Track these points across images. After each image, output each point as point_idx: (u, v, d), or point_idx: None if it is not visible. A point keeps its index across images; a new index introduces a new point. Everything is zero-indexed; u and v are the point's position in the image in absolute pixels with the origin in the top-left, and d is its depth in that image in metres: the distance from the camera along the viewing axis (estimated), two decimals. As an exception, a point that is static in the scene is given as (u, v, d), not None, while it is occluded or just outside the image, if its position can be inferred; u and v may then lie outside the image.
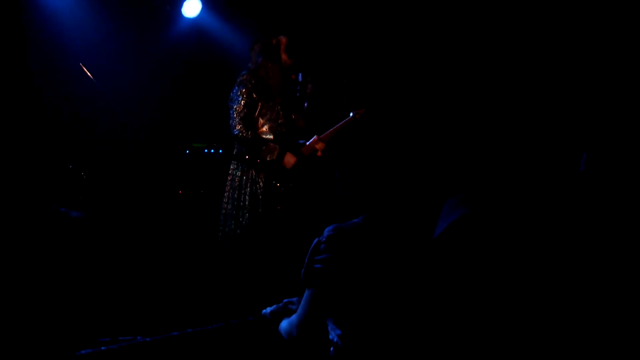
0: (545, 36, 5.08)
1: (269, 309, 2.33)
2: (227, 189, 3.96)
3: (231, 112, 3.87)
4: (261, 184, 3.88)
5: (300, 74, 4.04)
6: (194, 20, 5.39)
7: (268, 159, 3.84)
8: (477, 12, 5.16)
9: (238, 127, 3.82)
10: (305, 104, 4.11)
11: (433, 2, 5.21)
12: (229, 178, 3.97)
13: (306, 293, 1.91)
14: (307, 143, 4.05)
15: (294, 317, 1.99)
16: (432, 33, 5.27)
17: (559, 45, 5.06)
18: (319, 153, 4.04)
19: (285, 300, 2.36)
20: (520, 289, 1.84)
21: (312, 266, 1.87)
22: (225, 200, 3.96)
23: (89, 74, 4.33)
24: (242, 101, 3.84)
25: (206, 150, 5.24)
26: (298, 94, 4.08)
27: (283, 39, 3.97)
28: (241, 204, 3.87)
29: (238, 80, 3.91)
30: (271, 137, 3.89)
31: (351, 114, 4.12)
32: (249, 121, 3.85)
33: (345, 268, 1.82)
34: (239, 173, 3.92)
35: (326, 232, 1.88)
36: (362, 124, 4.14)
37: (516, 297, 1.84)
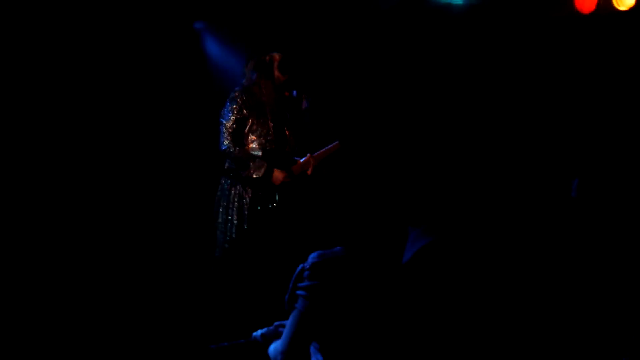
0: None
1: (259, 332, 2.32)
2: (216, 204, 3.98)
3: (221, 127, 3.91)
4: (248, 199, 3.89)
5: (295, 91, 4.06)
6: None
7: (255, 175, 3.86)
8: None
9: (226, 142, 3.86)
10: (304, 121, 4.13)
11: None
12: (218, 192, 3.99)
13: (290, 318, 1.90)
14: (300, 161, 4.05)
15: (278, 342, 1.98)
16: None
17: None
18: (309, 171, 4.04)
19: (276, 323, 2.35)
20: (486, 309, 1.90)
21: (295, 292, 1.87)
22: (215, 214, 3.97)
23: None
24: (233, 117, 3.88)
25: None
26: (293, 111, 4.10)
27: (276, 56, 3.99)
28: (229, 218, 3.89)
29: (230, 96, 3.94)
30: (259, 153, 3.91)
31: None
32: (238, 137, 3.89)
33: (327, 295, 1.82)
34: (227, 187, 3.94)
35: (310, 259, 1.89)
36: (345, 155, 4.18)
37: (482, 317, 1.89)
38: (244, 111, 3.90)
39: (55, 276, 4.23)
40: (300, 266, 1.90)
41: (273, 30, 5.04)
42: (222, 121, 3.91)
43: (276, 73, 3.97)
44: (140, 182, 4.98)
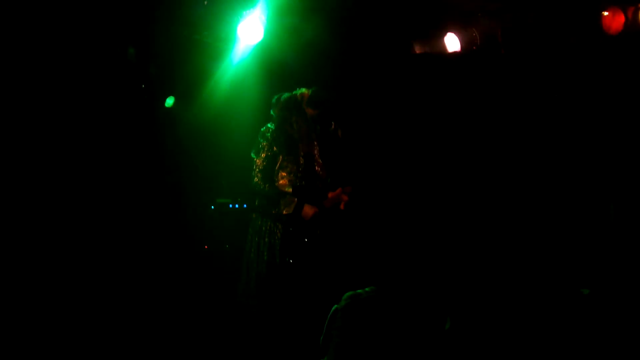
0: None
1: None
2: (248, 239, 3.99)
3: (253, 164, 3.95)
4: (279, 234, 3.90)
5: (331, 124, 4.08)
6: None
7: (285, 212, 3.87)
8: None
9: (256, 179, 3.90)
10: (332, 156, 4.14)
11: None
12: (250, 228, 4.01)
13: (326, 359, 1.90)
14: (330, 195, 4.05)
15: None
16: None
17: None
18: (342, 205, 4.04)
19: None
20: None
21: (330, 334, 1.88)
22: (246, 249, 3.98)
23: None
24: (263, 154, 3.92)
25: (231, 206, 5.27)
26: (326, 145, 4.12)
27: (306, 92, 4.03)
28: (260, 253, 3.90)
29: (260, 133, 3.98)
30: (289, 190, 3.92)
31: None
32: (268, 174, 3.92)
33: (361, 337, 1.82)
34: (259, 223, 3.96)
35: (344, 300, 1.89)
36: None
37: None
38: (274, 148, 3.93)
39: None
40: (334, 307, 1.90)
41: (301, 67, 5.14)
42: (254, 158, 3.96)
43: (307, 109, 4.00)
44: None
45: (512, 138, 5.33)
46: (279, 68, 5.24)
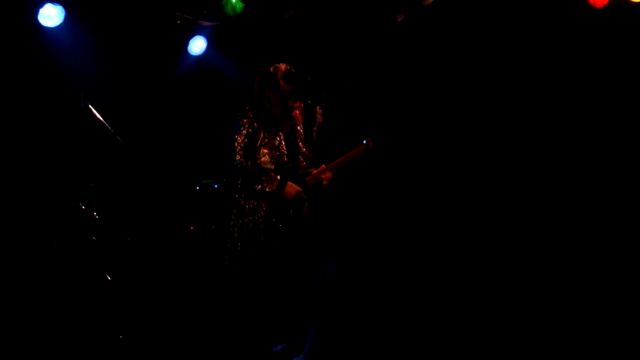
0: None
1: (279, 347, 2.29)
2: (232, 218, 3.94)
3: (235, 142, 3.88)
4: (262, 213, 3.85)
5: (308, 102, 4.01)
6: (200, 58, 5.42)
7: (267, 189, 3.82)
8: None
9: (237, 157, 3.84)
10: (314, 132, 4.09)
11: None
12: (234, 207, 3.95)
13: (311, 332, 1.87)
14: (314, 172, 4.01)
15: (301, 356, 1.95)
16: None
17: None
18: (325, 182, 3.99)
19: (296, 337, 2.31)
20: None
21: (317, 304, 1.84)
22: (231, 228, 3.93)
23: (95, 112, 4.36)
24: (244, 131, 3.86)
25: (216, 186, 5.23)
26: (305, 122, 4.06)
27: (281, 67, 3.96)
28: (244, 232, 3.85)
29: (241, 110, 3.91)
30: (272, 167, 3.87)
31: (364, 142, 4.08)
32: (250, 151, 3.86)
33: (348, 306, 1.79)
34: (242, 202, 3.90)
35: (330, 270, 1.86)
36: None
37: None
38: (255, 125, 3.87)
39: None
40: (320, 278, 1.87)
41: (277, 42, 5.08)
42: (235, 136, 3.89)
43: (281, 84, 3.93)
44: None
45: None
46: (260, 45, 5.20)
